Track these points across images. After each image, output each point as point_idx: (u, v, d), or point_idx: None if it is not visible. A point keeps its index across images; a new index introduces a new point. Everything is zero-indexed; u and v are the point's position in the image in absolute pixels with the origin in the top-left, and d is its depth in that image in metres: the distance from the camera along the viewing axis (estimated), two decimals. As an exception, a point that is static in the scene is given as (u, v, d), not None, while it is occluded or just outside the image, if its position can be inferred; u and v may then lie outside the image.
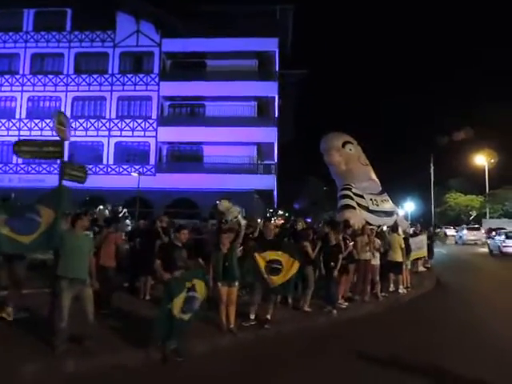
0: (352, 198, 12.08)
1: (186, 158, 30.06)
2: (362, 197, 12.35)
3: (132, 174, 27.13)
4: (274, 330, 6.12)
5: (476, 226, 36.35)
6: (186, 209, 26.80)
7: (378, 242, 8.90)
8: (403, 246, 9.54)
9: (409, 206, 54.35)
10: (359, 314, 7.61)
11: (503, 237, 21.53)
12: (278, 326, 6.30)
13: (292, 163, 55.21)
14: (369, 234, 8.51)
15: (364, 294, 8.42)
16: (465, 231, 33.21)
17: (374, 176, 13.63)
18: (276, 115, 32.17)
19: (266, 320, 6.22)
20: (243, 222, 6.33)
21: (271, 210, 54.23)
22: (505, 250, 20.62)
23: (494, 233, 25.88)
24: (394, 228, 9.80)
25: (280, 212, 66.95)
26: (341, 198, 12.28)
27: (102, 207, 15.05)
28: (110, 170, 28.95)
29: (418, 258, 12.03)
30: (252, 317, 6.31)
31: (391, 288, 9.59)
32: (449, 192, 55.86)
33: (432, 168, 52.90)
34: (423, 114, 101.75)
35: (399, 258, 9.41)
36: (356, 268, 8.34)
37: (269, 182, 28.97)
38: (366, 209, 12.31)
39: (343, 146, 13.04)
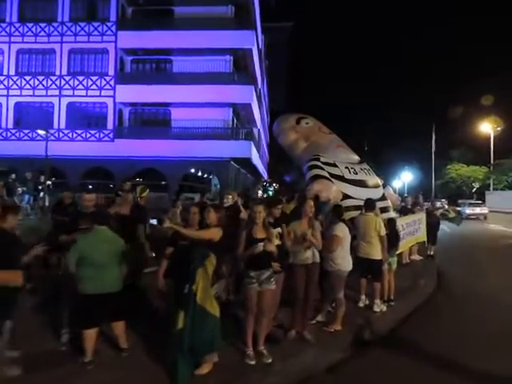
0: (321, 168, 8.93)
1: (150, 121, 26.13)
2: (334, 165, 9.11)
3: (39, 131, 22.61)
4: None
5: (478, 202, 34.99)
6: (152, 180, 23.52)
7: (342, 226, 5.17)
8: (383, 233, 5.76)
9: (406, 176, 50.36)
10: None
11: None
12: None
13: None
14: (310, 215, 4.69)
15: (303, 328, 4.68)
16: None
17: (343, 143, 10.48)
18: (256, 72, 27.92)
19: None
20: None
21: (264, 183, 50.52)
22: None
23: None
24: (368, 205, 5.93)
25: (275, 185, 63.09)
26: (308, 170, 9.14)
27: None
28: (62, 135, 25.04)
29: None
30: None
31: (362, 302, 5.93)
32: (450, 163, 52.42)
33: (434, 138, 49.20)
34: (425, 79, 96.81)
35: (376, 253, 5.70)
36: (287, 278, 4.63)
37: (244, 148, 24.99)
38: (342, 178, 8.98)
39: (298, 122, 10.48)
